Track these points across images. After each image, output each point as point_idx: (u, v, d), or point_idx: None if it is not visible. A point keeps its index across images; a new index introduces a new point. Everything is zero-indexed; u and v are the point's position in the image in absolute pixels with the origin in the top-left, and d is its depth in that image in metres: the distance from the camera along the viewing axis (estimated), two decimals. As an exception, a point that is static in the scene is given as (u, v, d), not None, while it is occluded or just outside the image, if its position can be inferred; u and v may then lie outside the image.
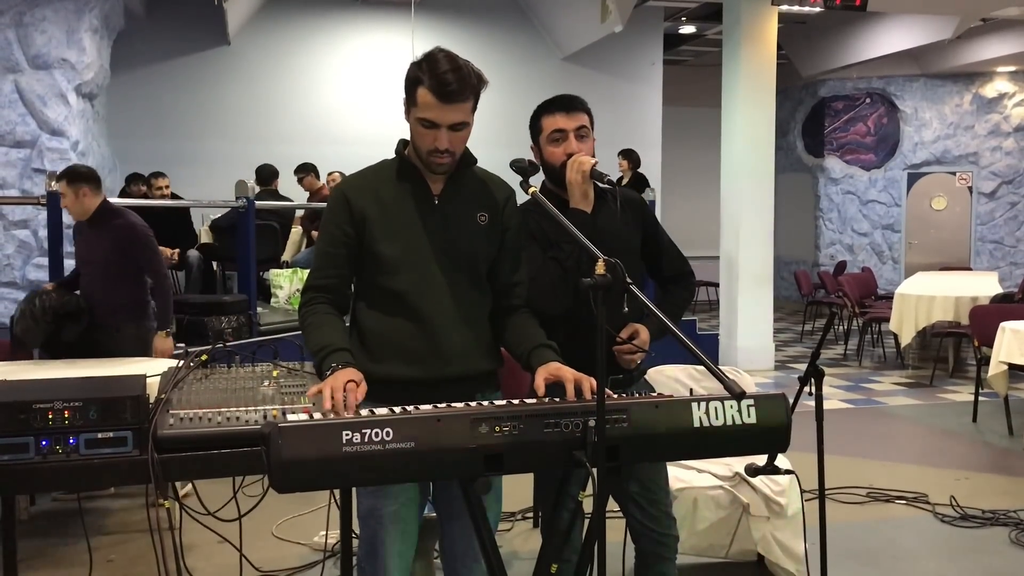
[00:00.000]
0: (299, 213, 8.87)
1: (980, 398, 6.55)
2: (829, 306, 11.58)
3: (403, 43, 10.63)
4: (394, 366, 2.19)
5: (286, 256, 8.50)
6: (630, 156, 9.31)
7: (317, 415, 1.75)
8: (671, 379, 3.82)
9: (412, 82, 2.13)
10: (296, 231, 8.94)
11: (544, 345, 2.23)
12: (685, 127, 13.76)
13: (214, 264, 7.88)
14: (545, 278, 2.36)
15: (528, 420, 1.71)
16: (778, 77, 9.22)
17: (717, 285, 9.45)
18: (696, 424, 1.78)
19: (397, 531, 2.21)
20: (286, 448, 1.58)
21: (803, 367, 2.79)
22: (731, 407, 1.82)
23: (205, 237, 8.18)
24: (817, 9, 7.50)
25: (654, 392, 3.18)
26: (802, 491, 3.41)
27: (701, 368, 3.98)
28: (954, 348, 8.64)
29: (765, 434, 1.85)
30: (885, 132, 14.00)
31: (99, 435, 2.36)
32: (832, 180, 14.31)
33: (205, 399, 2.53)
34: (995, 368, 5.84)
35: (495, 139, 10.87)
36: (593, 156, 2.48)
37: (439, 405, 1.90)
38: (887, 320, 8.63)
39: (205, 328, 6.03)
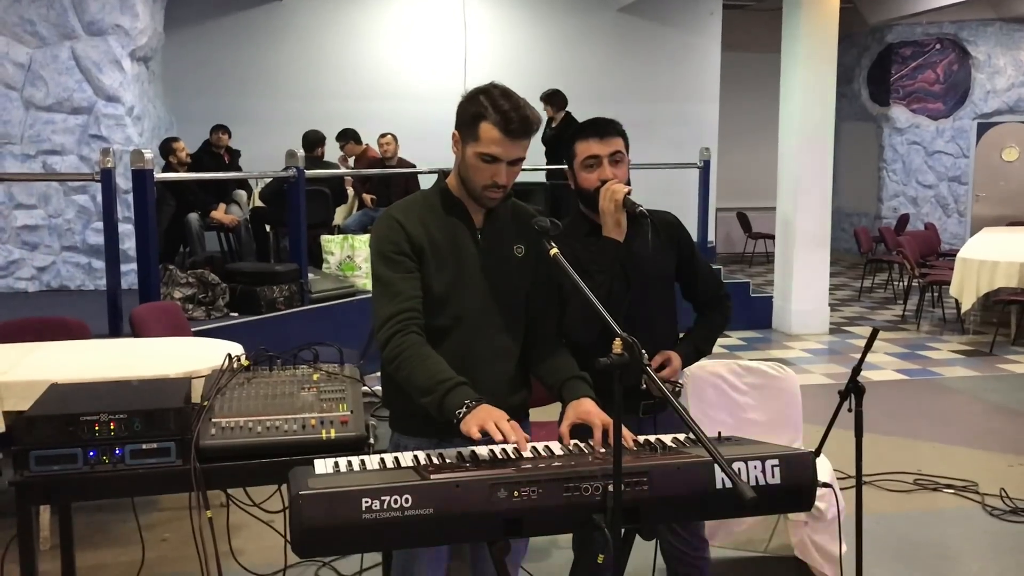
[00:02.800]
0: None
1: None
2: (889, 264, 11.33)
3: (454, -2, 10.51)
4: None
5: (337, 220, 8.58)
6: (553, 100, 8.65)
7: (339, 480, 1.77)
8: (713, 375, 3.78)
9: (473, 117, 2.10)
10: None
11: (577, 377, 2.23)
12: (744, 74, 13.38)
13: (267, 227, 7.99)
14: (578, 306, 2.35)
15: (547, 484, 1.71)
16: (843, 22, 8.88)
17: (774, 237, 9.27)
18: (719, 486, 1.77)
19: (427, 557, 2.26)
20: (306, 516, 1.62)
21: (858, 330, 2.74)
22: (755, 467, 1.80)
23: (258, 201, 8.29)
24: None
25: (687, 411, 3.17)
26: (857, 482, 3.38)
27: (745, 362, 3.95)
28: (1017, 314, 8.40)
29: (790, 494, 1.83)
30: (955, 79, 13.45)
31: (143, 446, 2.44)
32: (897, 130, 13.84)
33: (246, 406, 2.59)
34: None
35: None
36: (628, 181, 2.43)
37: (465, 455, 1.92)
38: (948, 283, 8.41)
39: (257, 297, 6.14)
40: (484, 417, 1.93)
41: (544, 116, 8.39)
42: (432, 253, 2.18)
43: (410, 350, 2.09)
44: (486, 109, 2.08)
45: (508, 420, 1.94)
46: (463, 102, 2.15)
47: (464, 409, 1.98)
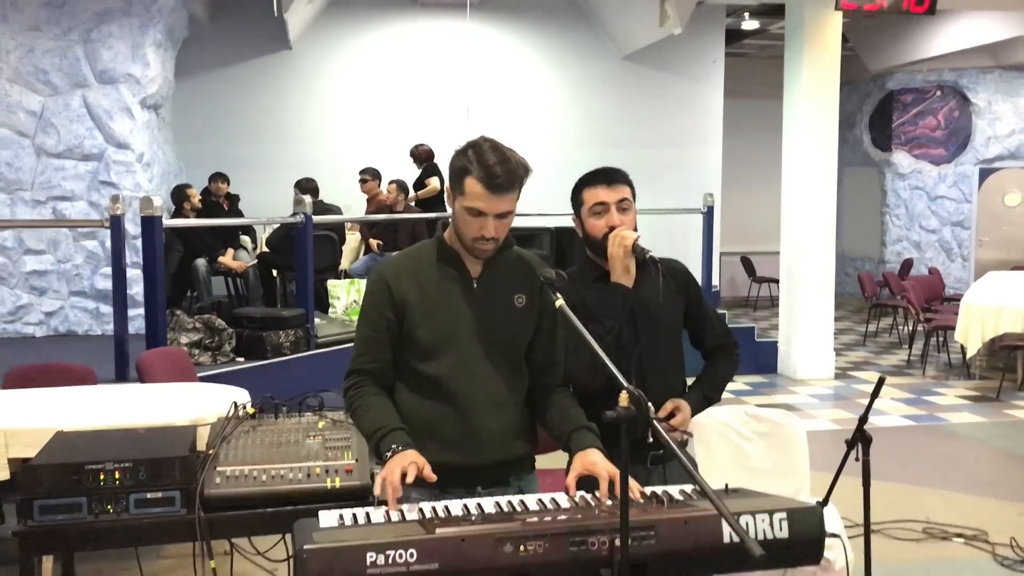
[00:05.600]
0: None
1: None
2: (894, 309, 11.32)
3: (459, 45, 10.64)
4: (431, 451, 2.20)
5: (344, 264, 8.62)
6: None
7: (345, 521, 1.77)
8: (721, 423, 3.77)
9: (460, 172, 2.14)
10: (354, 238, 9.06)
11: (583, 427, 2.23)
12: (747, 120, 13.49)
13: (273, 272, 8.03)
14: (585, 354, 2.35)
15: (554, 539, 1.71)
16: (844, 69, 8.99)
17: (778, 281, 9.30)
18: (727, 540, 1.76)
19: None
20: (311, 571, 1.61)
21: (864, 375, 2.75)
22: (763, 520, 1.80)
23: (264, 246, 8.35)
24: (880, 11, 7.26)
25: (695, 463, 3.16)
26: (866, 535, 3.35)
27: (751, 409, 3.94)
28: (1023, 360, 8.36)
29: (798, 548, 1.82)
30: (956, 126, 13.54)
31: (148, 495, 2.44)
32: (900, 175, 13.91)
33: (251, 455, 2.59)
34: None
35: (559, 139, 10.92)
36: (635, 228, 2.46)
37: (471, 507, 1.92)
38: (953, 328, 8.40)
39: (263, 342, 6.16)
40: (390, 467, 2.03)
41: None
42: (420, 305, 2.21)
43: (359, 400, 2.24)
44: (472, 164, 2.11)
45: (419, 468, 2.01)
46: (453, 157, 2.18)
47: (388, 456, 2.08)
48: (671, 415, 2.43)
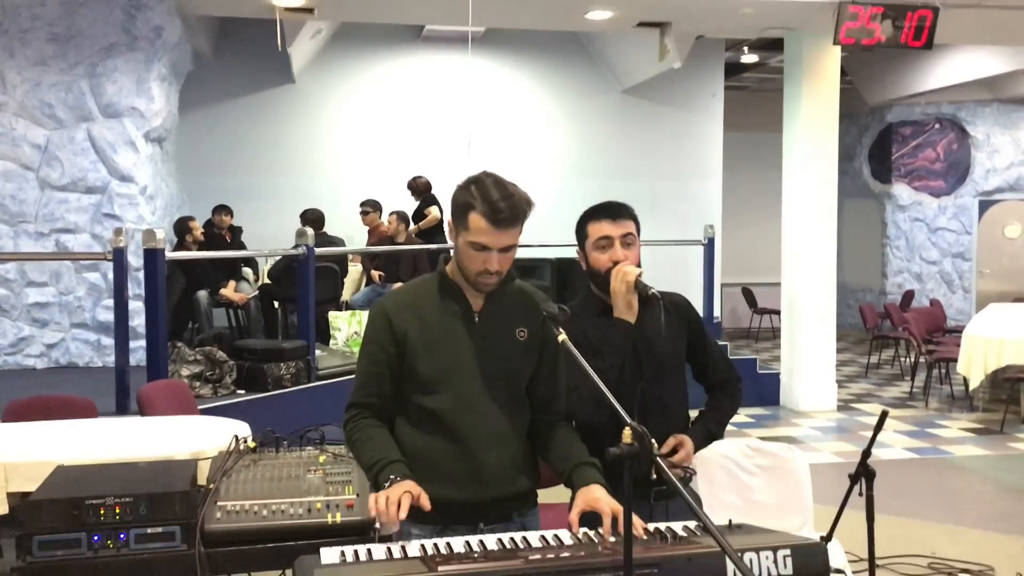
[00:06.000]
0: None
1: (1053, 451, 6.32)
2: (895, 340, 11.30)
3: (461, 78, 10.73)
4: (432, 487, 2.20)
5: (345, 296, 8.63)
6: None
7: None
8: (724, 457, 3.75)
9: (463, 207, 2.15)
10: (356, 269, 9.08)
11: (586, 463, 2.23)
12: (747, 152, 13.58)
13: (275, 304, 8.04)
14: (587, 388, 2.35)
15: (557, 576, 1.70)
16: (843, 102, 9.05)
17: (780, 312, 9.30)
18: (730, 576, 1.75)
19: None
20: (314, 608, 1.60)
21: (867, 407, 2.74)
22: (767, 557, 1.79)
23: (266, 278, 8.37)
24: (878, 45, 7.34)
25: (699, 499, 3.14)
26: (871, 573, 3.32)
27: (754, 443, 3.92)
28: (1027, 392, 8.34)
29: (802, 585, 1.80)
30: (955, 158, 13.62)
31: (148, 530, 2.41)
32: (900, 207, 13.96)
33: (252, 489, 2.57)
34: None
35: (560, 170, 10.98)
36: (639, 263, 2.47)
37: (473, 544, 1.91)
38: (955, 360, 8.38)
39: (264, 375, 6.15)
40: (384, 492, 2.06)
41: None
42: (420, 338, 2.21)
43: (359, 432, 2.26)
44: (475, 199, 2.12)
45: (412, 498, 2.04)
46: (456, 191, 2.20)
47: (388, 484, 2.10)
48: (674, 451, 2.42)
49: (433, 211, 8.95)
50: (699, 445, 2.49)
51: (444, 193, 2.29)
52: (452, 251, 2.29)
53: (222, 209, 8.62)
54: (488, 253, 2.14)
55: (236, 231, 8.80)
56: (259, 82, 10.36)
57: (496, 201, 2.10)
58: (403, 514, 2.01)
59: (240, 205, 9.31)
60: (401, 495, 2.02)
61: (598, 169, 11.21)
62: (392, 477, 2.10)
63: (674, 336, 2.53)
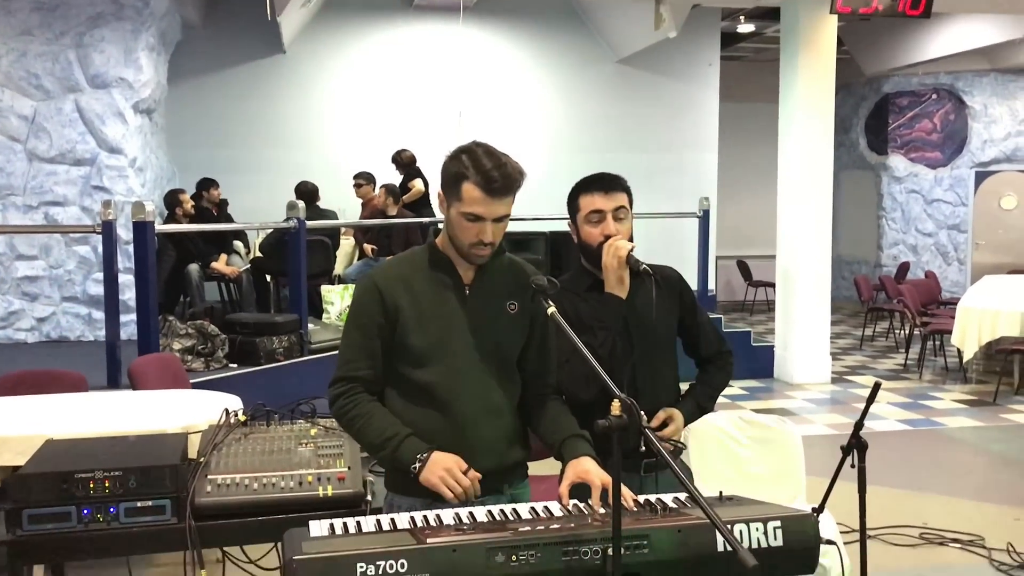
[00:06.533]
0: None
1: (1045, 422, 6.34)
2: (890, 312, 11.31)
3: (453, 48, 10.63)
4: (422, 460, 2.19)
5: (338, 269, 8.59)
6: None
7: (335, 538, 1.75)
8: (717, 429, 3.75)
9: (456, 177, 2.12)
10: (348, 243, 9.03)
11: (576, 436, 2.21)
12: (742, 123, 13.49)
13: (267, 277, 8.00)
14: (577, 364, 2.33)
15: (546, 548, 1.68)
16: (840, 73, 8.98)
17: (774, 285, 9.29)
18: (720, 548, 1.74)
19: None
20: (301, 583, 1.58)
21: (861, 379, 2.74)
22: (757, 529, 1.77)
23: (257, 251, 8.32)
24: (875, 14, 7.27)
25: (690, 471, 3.14)
26: (862, 543, 3.33)
27: (747, 415, 3.92)
28: (1020, 364, 8.35)
29: (793, 556, 1.80)
30: (952, 129, 13.56)
31: (139, 504, 2.41)
32: (896, 179, 13.92)
33: (243, 463, 2.57)
34: (1060, 397, 5.64)
35: (554, 142, 10.91)
36: (632, 236, 2.43)
37: (462, 516, 1.90)
38: (949, 332, 8.40)
39: (257, 349, 6.12)
40: (441, 473, 2.06)
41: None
42: (411, 311, 2.18)
43: (356, 409, 2.20)
44: (468, 169, 2.09)
45: (464, 469, 2.07)
46: (446, 162, 2.16)
47: (418, 464, 2.08)
48: (663, 425, 2.40)
49: (416, 184, 8.87)
50: (689, 419, 2.48)
51: (437, 165, 2.24)
52: (443, 224, 2.25)
53: (209, 183, 8.54)
54: (482, 224, 2.12)
55: (222, 204, 8.73)
56: (249, 52, 10.24)
57: (489, 170, 2.08)
58: (472, 474, 2.07)
59: (230, 177, 9.24)
60: (451, 465, 2.07)
61: (592, 141, 11.14)
62: (419, 456, 2.10)
63: (665, 310, 2.51)
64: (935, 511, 4.97)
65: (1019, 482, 5.60)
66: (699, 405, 2.55)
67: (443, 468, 2.06)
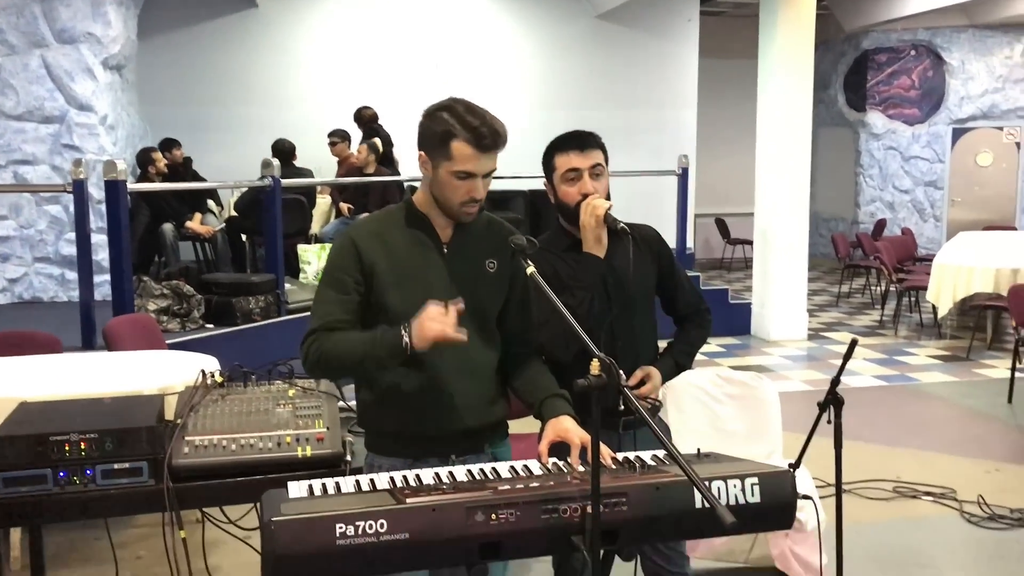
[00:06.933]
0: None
1: (1017, 375, 6.41)
2: (866, 269, 11.40)
3: (431, 2, 10.46)
4: (402, 420, 2.18)
5: (314, 228, 8.52)
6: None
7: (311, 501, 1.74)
8: (694, 386, 3.77)
9: (443, 136, 2.07)
10: (324, 201, 8.94)
11: (555, 395, 2.21)
12: (722, 80, 13.42)
13: (242, 237, 7.92)
14: (557, 324, 2.31)
15: (525, 507, 1.68)
16: (819, 29, 8.94)
17: (752, 243, 9.32)
18: (698, 505, 1.74)
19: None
20: (280, 543, 1.58)
21: (837, 336, 2.75)
22: (735, 486, 1.78)
23: (233, 210, 8.22)
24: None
25: (668, 429, 3.15)
26: (837, 497, 3.37)
27: (724, 372, 3.94)
28: (993, 319, 8.45)
29: (770, 512, 1.81)
30: (930, 86, 13.57)
31: (115, 466, 2.40)
32: (874, 135, 13.94)
33: (220, 424, 2.55)
34: (1032, 352, 5.72)
35: (532, 99, 10.81)
36: (608, 194, 2.41)
37: (442, 476, 1.89)
38: (925, 288, 8.48)
39: (233, 309, 6.08)
40: (428, 326, 1.98)
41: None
42: (389, 269, 2.15)
43: (328, 342, 2.11)
44: (455, 127, 2.06)
45: (445, 313, 2.00)
46: (426, 122, 2.12)
47: (405, 336, 2.01)
48: (641, 383, 2.40)
49: (375, 143, 8.72)
50: (667, 376, 2.48)
51: (412, 122, 2.19)
52: (419, 183, 2.21)
53: (172, 143, 8.37)
54: (473, 180, 2.09)
55: (187, 162, 8.57)
56: (221, 7, 10.04)
57: (478, 127, 2.05)
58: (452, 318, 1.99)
59: (204, 135, 9.09)
60: (441, 311, 1.99)
61: (570, 97, 11.05)
62: (403, 328, 2.02)
63: (644, 269, 2.50)
64: (908, 465, 5.05)
65: (990, 436, 5.70)
66: (677, 363, 2.55)
67: (429, 320, 1.99)
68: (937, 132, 13.62)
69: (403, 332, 2.01)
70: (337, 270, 2.18)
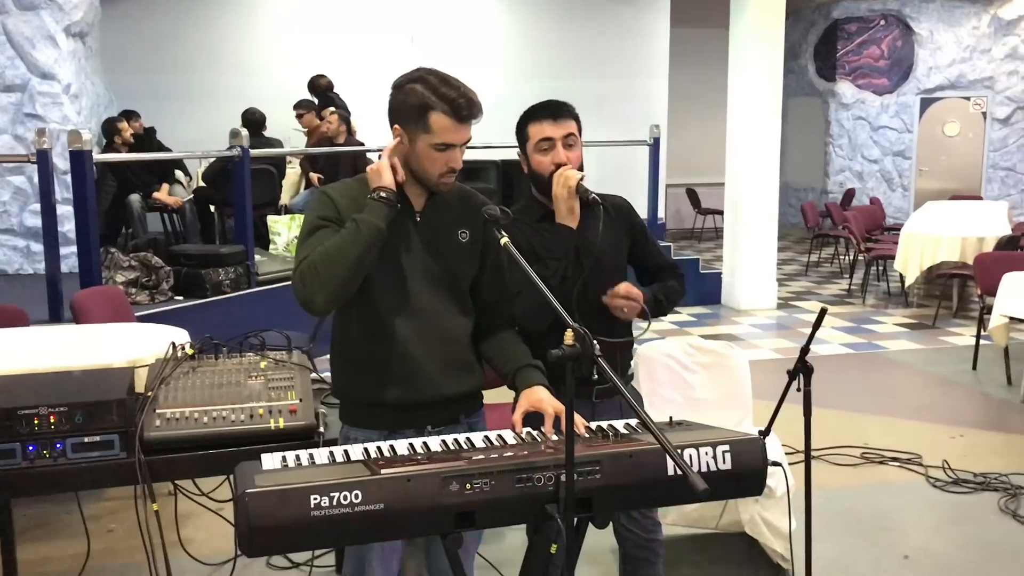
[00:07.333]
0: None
1: (981, 342, 6.53)
2: (835, 239, 11.51)
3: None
4: (377, 390, 2.17)
5: (284, 199, 8.43)
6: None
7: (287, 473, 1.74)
8: (666, 356, 3.80)
9: (420, 109, 2.05)
10: (294, 172, 8.85)
11: (529, 365, 2.22)
12: (693, 50, 13.42)
13: (211, 208, 7.83)
14: (530, 295, 2.31)
15: (500, 476, 1.69)
16: (790, -2, 8.95)
17: (723, 213, 9.37)
18: (671, 473, 1.76)
19: (383, 547, 2.23)
20: (254, 515, 1.57)
21: (806, 305, 2.77)
22: (706, 453, 1.80)
23: (201, 181, 8.12)
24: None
25: (640, 397, 3.18)
26: (807, 464, 3.42)
27: (695, 341, 3.97)
28: (959, 287, 8.59)
29: (741, 479, 1.83)
30: (899, 56, 13.65)
31: (86, 439, 2.38)
32: (843, 105, 14.02)
33: (192, 396, 2.54)
34: (996, 320, 5.81)
35: (503, 69, 10.73)
36: (581, 166, 2.41)
37: (416, 447, 1.90)
38: (892, 257, 8.58)
39: (202, 280, 6.02)
40: (372, 169, 2.13)
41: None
42: None
43: (315, 252, 2.04)
44: (431, 99, 2.04)
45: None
46: (399, 95, 2.10)
47: (373, 194, 2.09)
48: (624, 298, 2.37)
49: (344, 114, 8.61)
50: (648, 305, 2.42)
51: (384, 92, 2.17)
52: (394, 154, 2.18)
53: (131, 114, 8.21)
54: (451, 151, 2.09)
55: (149, 132, 8.43)
56: (186, -29, 9.85)
57: (455, 98, 2.04)
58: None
59: (170, 104, 8.94)
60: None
61: (542, 67, 10.99)
62: (372, 195, 2.08)
63: (616, 240, 2.50)
64: (876, 432, 5.14)
65: (955, 403, 5.80)
66: (656, 297, 2.50)
67: (379, 167, 2.10)
68: (905, 102, 13.73)
69: (373, 196, 2.07)
70: (321, 219, 2.13)
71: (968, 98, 13.49)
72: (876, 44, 13.76)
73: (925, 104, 13.67)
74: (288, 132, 9.07)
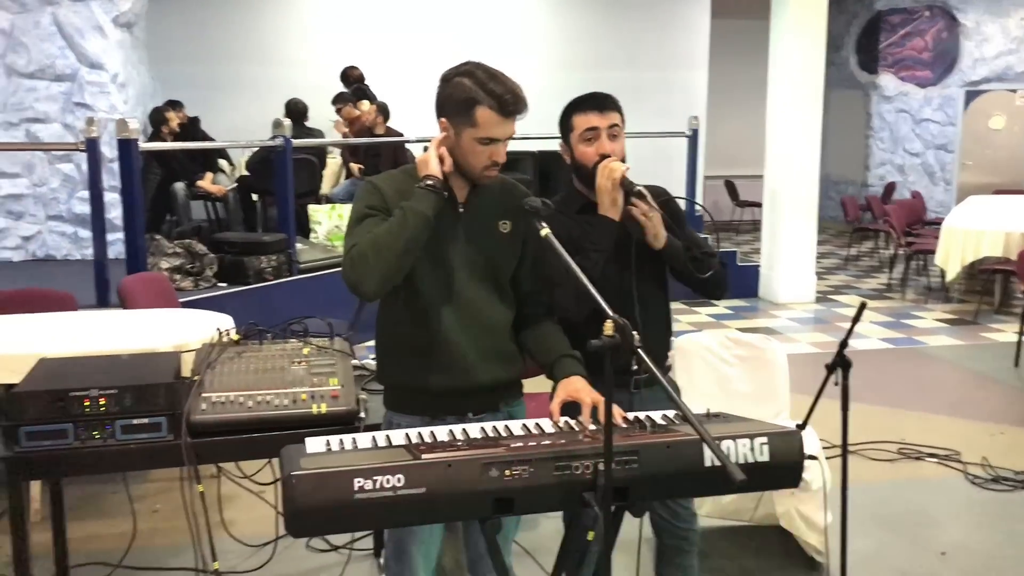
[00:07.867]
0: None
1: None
2: (875, 232, 11.38)
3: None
4: (419, 376, 2.22)
5: (324, 189, 8.53)
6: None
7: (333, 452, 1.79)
8: (703, 348, 3.81)
9: (467, 103, 2.09)
10: (334, 162, 8.94)
11: (567, 355, 2.25)
12: (733, 41, 13.26)
13: (253, 196, 7.94)
14: (570, 286, 2.34)
15: (539, 463, 1.73)
16: (832, -11, 8.85)
17: (761, 205, 9.30)
18: (708, 464, 1.79)
19: (422, 533, 2.28)
20: (300, 497, 1.62)
21: (845, 298, 2.76)
22: (744, 445, 1.82)
23: (244, 170, 8.23)
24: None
25: (678, 388, 3.19)
26: (843, 457, 3.42)
27: (732, 334, 3.97)
28: (1002, 283, 8.46)
29: (778, 471, 1.85)
30: (944, 47, 13.40)
31: (134, 421, 2.45)
32: (885, 98, 13.81)
33: (237, 381, 2.60)
34: (1040, 317, 5.73)
35: (542, 60, 10.73)
36: (624, 157, 2.43)
37: (456, 433, 1.94)
38: (933, 252, 8.47)
39: (245, 268, 6.12)
40: (422, 158, 2.20)
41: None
42: None
43: (364, 239, 2.08)
44: (478, 94, 2.08)
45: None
46: (447, 88, 2.13)
47: (422, 184, 2.13)
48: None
49: (384, 104, 8.66)
50: (670, 245, 2.41)
51: (425, 85, 2.21)
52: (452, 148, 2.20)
53: (175, 104, 8.33)
54: (496, 145, 2.13)
55: (193, 121, 8.55)
56: (232, -37, 9.95)
57: (502, 94, 2.08)
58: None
59: (215, 95, 9.05)
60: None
61: (581, 58, 10.96)
62: (417, 186, 2.12)
63: None
64: (913, 427, 5.10)
65: (996, 399, 5.73)
66: (687, 246, 2.46)
67: (427, 158, 2.16)
68: (949, 95, 13.49)
69: (420, 186, 2.12)
70: (365, 207, 2.18)
71: (1015, 91, 13.22)
72: (920, 36, 13.53)
73: (970, 97, 13.42)
74: (328, 124, 9.16)
